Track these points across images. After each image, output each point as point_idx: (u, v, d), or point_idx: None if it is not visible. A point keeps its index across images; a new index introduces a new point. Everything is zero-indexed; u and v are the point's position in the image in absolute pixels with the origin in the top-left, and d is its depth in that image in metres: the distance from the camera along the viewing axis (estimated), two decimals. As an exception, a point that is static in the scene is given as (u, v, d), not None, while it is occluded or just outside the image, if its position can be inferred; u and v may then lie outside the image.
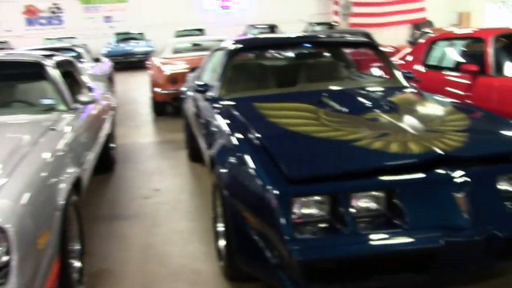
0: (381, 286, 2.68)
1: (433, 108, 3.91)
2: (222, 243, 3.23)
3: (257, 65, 5.12)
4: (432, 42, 6.39)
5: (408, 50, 7.11)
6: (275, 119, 3.54)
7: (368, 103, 3.73)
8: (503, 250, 2.64)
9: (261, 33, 20.75)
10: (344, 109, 3.60)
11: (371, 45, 5.20)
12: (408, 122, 3.29)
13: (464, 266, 2.67)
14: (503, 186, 2.77)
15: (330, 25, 21.50)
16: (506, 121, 3.47)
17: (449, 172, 2.64)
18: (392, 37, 17.72)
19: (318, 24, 22.43)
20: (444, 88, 5.48)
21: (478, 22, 22.42)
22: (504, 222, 2.61)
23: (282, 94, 4.28)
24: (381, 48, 5.20)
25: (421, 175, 2.65)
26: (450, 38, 6.34)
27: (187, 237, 4.00)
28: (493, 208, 2.64)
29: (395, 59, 6.97)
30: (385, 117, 3.39)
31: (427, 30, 13.36)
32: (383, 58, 4.92)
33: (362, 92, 4.13)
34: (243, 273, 2.99)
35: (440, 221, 2.52)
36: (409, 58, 6.69)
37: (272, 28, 22.35)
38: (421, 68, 6.21)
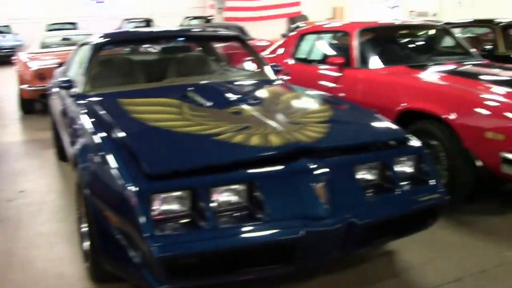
0: (248, 279, 2.70)
1: (298, 100, 4.00)
2: (86, 244, 3.11)
3: (124, 60, 4.99)
4: (301, 35, 6.55)
5: (279, 43, 7.23)
6: (138, 114, 3.47)
7: (233, 96, 3.75)
8: (363, 237, 2.78)
9: (137, 27, 20.30)
10: (208, 103, 3.59)
11: (239, 38, 5.24)
12: (271, 115, 3.34)
13: (326, 254, 2.76)
14: (362, 175, 2.91)
15: (206, 19, 21.49)
16: (369, 112, 3.63)
17: (308, 163, 2.71)
18: (270, 31, 18.05)
19: (195, 18, 22.36)
20: (313, 81, 5.63)
21: (352, 16, 23.41)
22: (362, 210, 2.73)
23: (148, 89, 4.21)
24: (249, 42, 5.27)
25: (280, 167, 2.69)
26: (318, 31, 6.54)
27: (53, 240, 3.82)
28: (352, 197, 2.76)
29: (267, 53, 7.09)
30: (249, 111, 3.42)
31: (300, 24, 13.74)
32: (251, 52, 4.98)
33: (228, 86, 4.16)
34: (108, 273, 2.90)
35: (300, 211, 2.58)
36: (280, 51, 6.81)
37: (148, 22, 21.99)
38: (291, 61, 6.35)
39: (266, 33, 16.36)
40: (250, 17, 22.43)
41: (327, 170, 2.70)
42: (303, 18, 22.50)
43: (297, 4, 24.57)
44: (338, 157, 2.84)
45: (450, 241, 3.75)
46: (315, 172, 2.68)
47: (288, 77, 5.85)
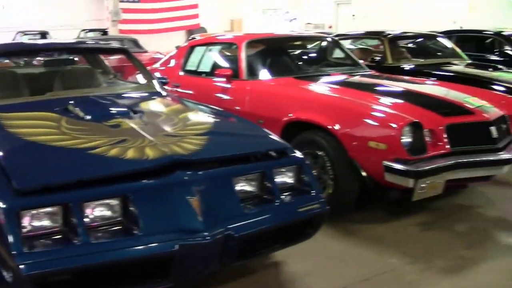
0: None
1: (180, 113, 3.90)
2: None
3: (7, 73, 4.77)
4: (191, 47, 6.44)
5: (171, 55, 7.08)
6: (15, 129, 3.26)
7: (114, 109, 3.66)
8: (243, 249, 2.75)
9: (31, 39, 19.47)
10: (88, 117, 3.48)
11: (124, 51, 5.12)
12: (150, 127, 3.27)
13: (205, 267, 2.73)
14: (241, 186, 2.89)
15: (104, 32, 20.93)
16: (251, 124, 3.64)
17: (183, 176, 2.68)
18: (169, 43, 17.80)
19: (91, 30, 21.71)
20: (203, 93, 5.55)
21: (249, 28, 23.64)
22: (240, 222, 2.70)
23: (29, 102, 4.02)
24: (144, 54, 5.12)
25: (154, 180, 2.64)
26: (208, 43, 6.45)
27: None
28: (229, 209, 2.74)
29: (157, 65, 6.93)
30: (128, 123, 3.33)
31: (197, 36, 13.65)
32: (137, 65, 4.89)
33: (111, 99, 4.03)
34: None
35: (175, 225, 2.55)
36: (172, 63, 6.67)
37: (43, 34, 21.10)
38: (181, 73, 6.22)
39: (165, 44, 16.13)
40: (148, 30, 22.06)
41: (204, 182, 2.68)
42: (202, 30, 22.44)
43: (195, 16, 24.48)
44: (215, 169, 2.82)
45: (336, 250, 3.77)
46: (190, 185, 2.65)
47: (178, 89, 5.76)
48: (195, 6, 24.20)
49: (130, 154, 2.79)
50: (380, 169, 3.81)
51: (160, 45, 15.40)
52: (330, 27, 18.62)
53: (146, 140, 2.97)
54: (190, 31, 22.94)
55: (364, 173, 3.98)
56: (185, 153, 2.82)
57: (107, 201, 2.55)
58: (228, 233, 2.61)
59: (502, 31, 8.49)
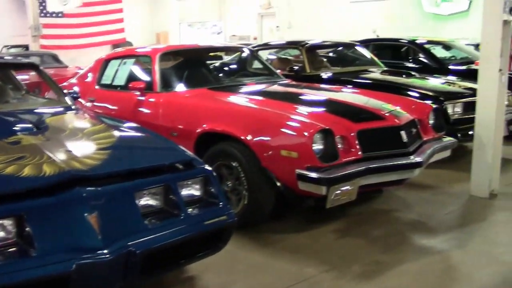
0: None
1: (86, 127, 3.78)
2: None
3: None
4: (106, 61, 6.26)
5: (87, 69, 6.85)
6: None
7: (16, 126, 3.52)
8: (146, 265, 2.65)
9: None
10: None
11: (33, 66, 4.92)
12: (52, 143, 3.13)
13: (106, 286, 2.61)
14: (144, 201, 2.79)
15: (26, 47, 20.27)
16: (157, 137, 3.54)
17: (81, 192, 2.56)
18: (95, 58, 17.37)
19: (13, 46, 20.97)
20: (118, 107, 5.41)
21: (175, 41, 23.49)
22: (142, 237, 2.61)
23: None
24: (66, 69, 4.93)
25: (51, 197, 2.51)
26: (122, 56, 6.27)
27: None
28: (131, 224, 2.64)
29: (74, 80, 6.72)
30: (29, 140, 3.17)
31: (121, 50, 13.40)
32: (47, 79, 4.74)
33: (16, 115, 3.88)
34: None
35: (73, 244, 2.44)
36: (89, 77, 6.45)
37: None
38: (97, 87, 6.03)
39: (92, 59, 15.73)
40: (72, 45, 21.54)
41: (102, 198, 2.58)
42: (128, 44, 22.10)
43: (121, 31, 24.10)
44: (117, 184, 2.70)
45: (253, 262, 3.71)
46: (89, 201, 2.54)
47: (93, 104, 5.59)
48: (120, 21, 23.87)
49: (27, 171, 2.65)
50: (293, 177, 3.78)
51: (88, 60, 15.00)
52: (255, 38, 18.74)
53: (45, 156, 2.83)
54: (117, 45, 22.57)
55: (278, 183, 3.94)
56: (84, 169, 2.71)
57: (0, 221, 2.40)
58: (129, 250, 2.52)
59: (416, 40, 8.76)
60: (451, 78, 7.26)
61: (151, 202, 2.82)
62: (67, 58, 14.28)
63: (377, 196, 5.07)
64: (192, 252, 2.93)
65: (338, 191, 3.75)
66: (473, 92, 5.65)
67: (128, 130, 3.72)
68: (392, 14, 15.03)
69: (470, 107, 5.70)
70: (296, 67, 7.26)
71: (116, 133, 3.54)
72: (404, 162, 4.09)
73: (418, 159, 4.15)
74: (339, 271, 3.55)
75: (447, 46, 9.20)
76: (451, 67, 8.07)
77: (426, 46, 8.73)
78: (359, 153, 3.96)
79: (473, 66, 7.50)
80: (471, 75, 6.28)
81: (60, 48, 19.15)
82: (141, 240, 2.58)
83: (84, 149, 3.05)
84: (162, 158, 3.09)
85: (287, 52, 9.26)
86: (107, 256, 2.44)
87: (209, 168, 3.07)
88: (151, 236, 2.64)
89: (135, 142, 3.49)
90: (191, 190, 2.96)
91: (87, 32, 22.59)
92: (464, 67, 8.00)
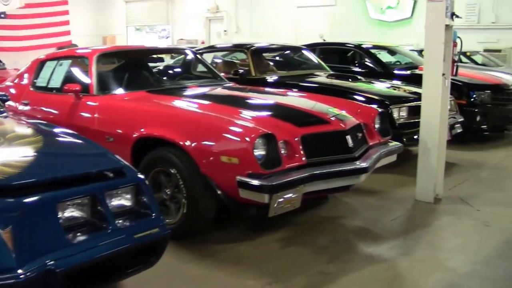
0: None
1: (9, 132, 3.49)
2: None
3: None
4: (41, 62, 5.93)
5: (22, 70, 6.49)
6: None
7: None
8: (69, 285, 2.41)
9: None
10: None
11: None
12: None
13: None
14: (68, 213, 2.54)
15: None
16: (88, 143, 3.26)
17: None
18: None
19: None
20: (53, 110, 5.13)
21: (123, 43, 23.12)
22: (63, 254, 2.37)
23: None
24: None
25: None
26: (58, 57, 5.96)
27: None
28: (51, 240, 2.39)
29: (9, 82, 6.36)
30: None
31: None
32: None
33: None
34: None
35: None
36: (25, 79, 6.11)
37: None
38: (31, 89, 5.72)
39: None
40: (16, 47, 20.92)
41: (17, 211, 2.32)
42: (74, 46, 21.58)
43: (67, 33, 23.59)
44: (35, 194, 2.43)
45: (192, 274, 3.51)
46: (1, 214, 2.28)
47: (28, 107, 5.30)
48: (66, 23, 23.38)
49: None
50: (234, 185, 3.60)
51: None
52: (203, 42, 18.58)
53: None
54: (62, 48, 21.98)
55: (219, 191, 3.75)
56: (1, 177, 2.46)
57: None
58: (47, 269, 2.29)
59: (362, 44, 8.76)
60: (396, 82, 7.28)
61: (76, 214, 2.57)
62: (11, 60, 13.73)
63: (323, 203, 4.95)
64: (121, 267, 2.70)
65: (281, 199, 3.59)
66: (418, 97, 5.63)
67: (57, 135, 3.43)
68: (339, 20, 15.20)
69: (415, 112, 5.69)
70: (241, 71, 7.09)
71: (43, 139, 3.25)
72: (349, 168, 3.97)
73: (364, 165, 4.03)
74: (282, 283, 3.38)
75: (392, 51, 9.24)
76: (396, 71, 8.10)
77: (372, 50, 8.76)
78: (303, 158, 3.81)
79: (417, 71, 7.56)
80: (415, 79, 6.31)
81: (3, 50, 18.56)
82: (62, 257, 2.35)
83: (3, 156, 2.79)
84: (89, 165, 2.84)
85: (234, 56, 9.10)
86: (21, 277, 2.21)
87: (141, 176, 2.84)
88: (74, 253, 2.41)
89: (63, 148, 3.21)
90: (121, 200, 2.73)
91: (32, 34, 22.03)
92: (408, 72, 8.04)
